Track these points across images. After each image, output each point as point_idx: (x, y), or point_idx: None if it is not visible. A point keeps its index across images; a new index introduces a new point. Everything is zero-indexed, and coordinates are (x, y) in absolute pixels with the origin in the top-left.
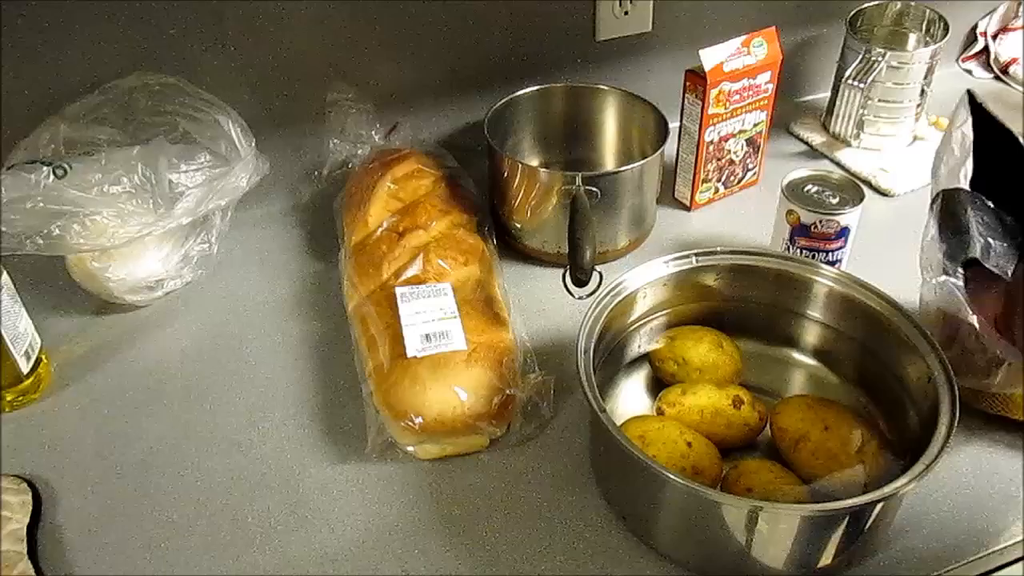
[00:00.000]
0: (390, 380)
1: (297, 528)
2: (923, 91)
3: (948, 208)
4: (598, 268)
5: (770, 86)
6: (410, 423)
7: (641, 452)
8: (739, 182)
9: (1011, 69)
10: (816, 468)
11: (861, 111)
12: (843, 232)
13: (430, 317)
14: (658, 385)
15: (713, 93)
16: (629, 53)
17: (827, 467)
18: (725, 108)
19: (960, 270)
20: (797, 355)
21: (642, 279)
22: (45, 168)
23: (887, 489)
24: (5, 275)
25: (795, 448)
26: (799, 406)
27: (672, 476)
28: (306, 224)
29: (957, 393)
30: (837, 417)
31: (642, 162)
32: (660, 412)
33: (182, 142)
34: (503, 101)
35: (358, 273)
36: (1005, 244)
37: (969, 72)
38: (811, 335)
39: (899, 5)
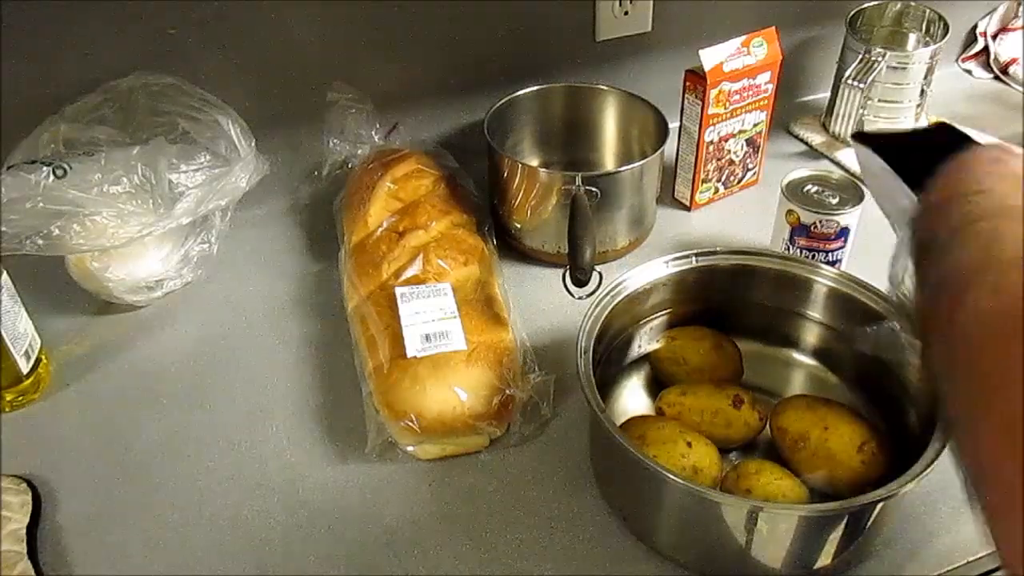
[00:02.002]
0: (390, 380)
1: (297, 528)
2: (923, 91)
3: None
4: (598, 268)
5: (770, 86)
6: (410, 423)
7: (641, 452)
8: (739, 182)
9: (1011, 69)
10: (816, 468)
11: (861, 111)
12: (843, 232)
13: (430, 317)
14: (658, 385)
15: (713, 93)
16: (629, 53)
17: (827, 467)
18: (725, 108)
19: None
20: (797, 355)
21: (642, 279)
22: (45, 168)
23: (886, 490)
24: (5, 275)
25: (795, 448)
26: (799, 406)
27: (672, 476)
28: (306, 224)
29: None
30: (837, 417)
31: (642, 162)
32: (660, 412)
33: (182, 142)
34: (503, 101)
35: (358, 273)
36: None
37: (969, 72)
38: (811, 335)
39: (899, 5)
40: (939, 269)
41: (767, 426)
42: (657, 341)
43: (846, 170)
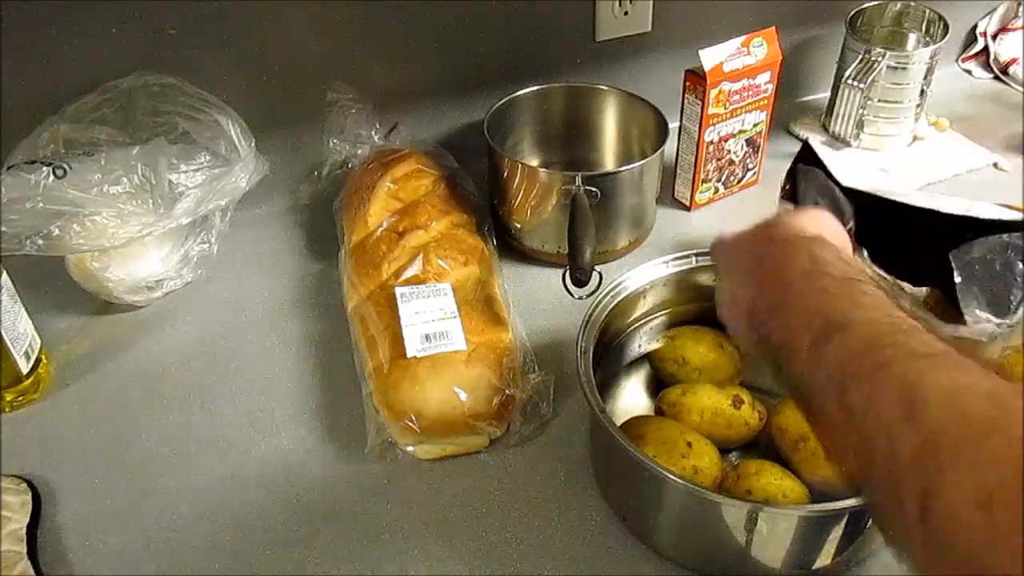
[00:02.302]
0: (390, 380)
1: (297, 528)
2: (923, 91)
3: None
4: (598, 268)
5: (770, 86)
6: (410, 423)
7: (641, 452)
8: (739, 182)
9: (1011, 69)
10: (816, 468)
11: (861, 111)
12: None
13: (430, 317)
14: (658, 385)
15: (713, 93)
16: (629, 53)
17: (827, 467)
18: (725, 108)
19: None
20: None
21: (642, 279)
22: (45, 168)
23: None
24: (5, 275)
25: (795, 448)
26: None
27: (672, 476)
28: (306, 224)
29: None
30: None
31: (642, 162)
32: (660, 412)
33: (182, 142)
34: (503, 101)
35: (358, 273)
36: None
37: (969, 72)
38: None
39: (899, 5)
40: (875, 449)
41: (767, 426)
42: (657, 341)
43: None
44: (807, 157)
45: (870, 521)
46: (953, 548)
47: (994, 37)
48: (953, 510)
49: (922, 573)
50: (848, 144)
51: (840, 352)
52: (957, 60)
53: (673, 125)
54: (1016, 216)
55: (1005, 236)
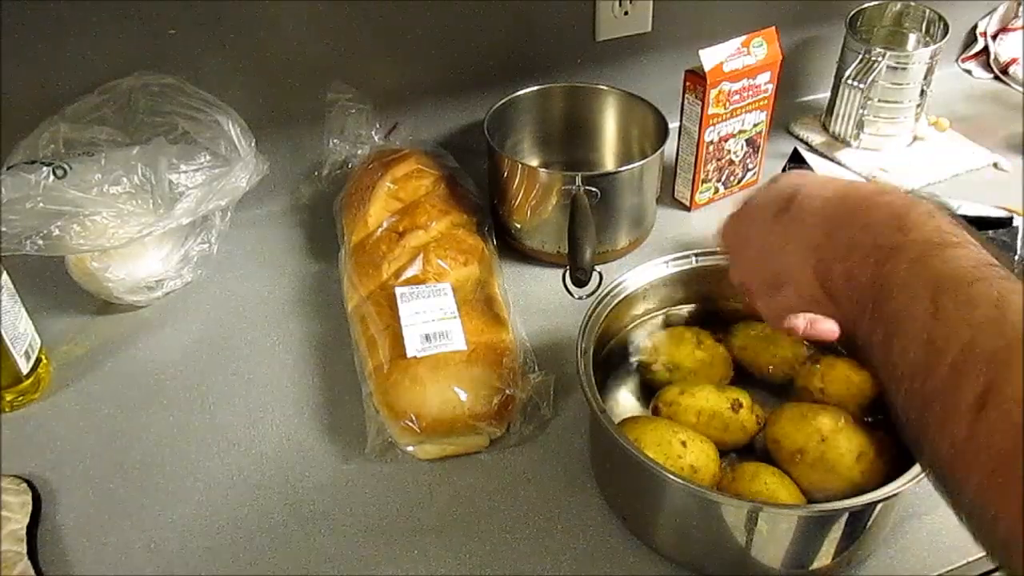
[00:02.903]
0: (390, 380)
1: (297, 528)
2: (923, 91)
3: None
4: (598, 268)
5: (770, 86)
6: (410, 423)
7: (641, 452)
8: (739, 182)
9: (1011, 69)
10: (814, 480)
11: (861, 111)
12: None
13: (430, 317)
14: (658, 385)
15: (713, 93)
16: (629, 53)
17: (826, 479)
18: (725, 108)
19: None
20: None
21: (642, 279)
22: (45, 168)
23: (887, 490)
24: (5, 275)
25: (792, 461)
26: (793, 417)
27: (672, 476)
28: (306, 224)
29: None
30: (833, 426)
31: (642, 162)
32: (656, 412)
33: (182, 142)
34: (503, 101)
35: (358, 273)
36: None
37: (969, 72)
38: None
39: (899, 5)
40: (939, 349)
41: (763, 431)
42: (644, 342)
43: (847, 170)
44: (796, 165)
45: (870, 521)
46: (1000, 433)
47: (994, 37)
48: (1011, 399)
49: (944, 465)
50: (848, 144)
51: (940, 265)
52: (957, 60)
53: (673, 125)
54: (1001, 214)
55: (990, 232)
